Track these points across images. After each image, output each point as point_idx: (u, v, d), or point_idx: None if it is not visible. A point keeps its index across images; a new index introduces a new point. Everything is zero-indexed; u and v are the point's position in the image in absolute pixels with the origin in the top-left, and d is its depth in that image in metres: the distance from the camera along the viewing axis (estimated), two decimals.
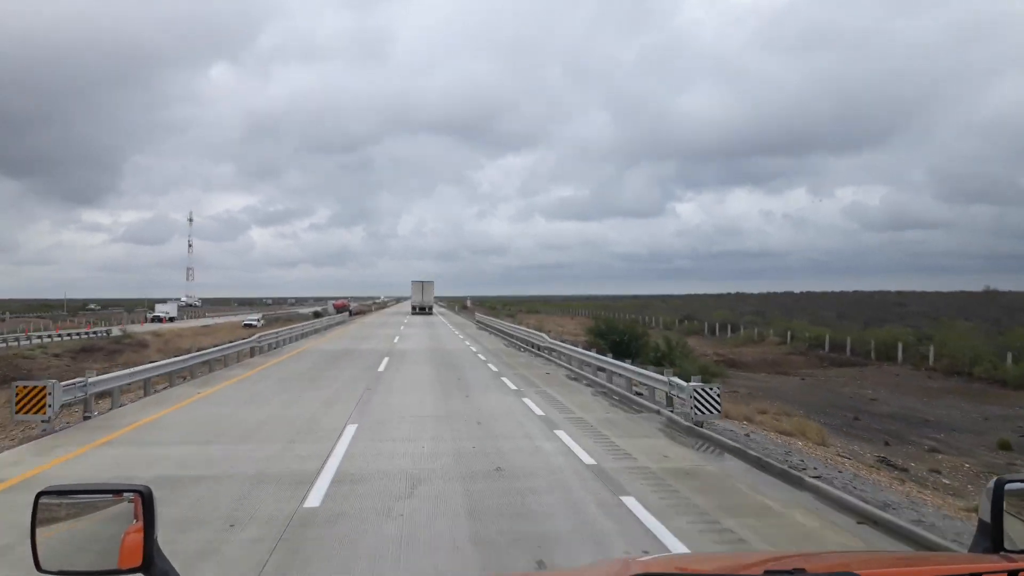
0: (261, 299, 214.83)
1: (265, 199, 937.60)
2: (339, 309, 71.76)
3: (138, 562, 1.64)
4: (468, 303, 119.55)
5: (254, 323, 61.45)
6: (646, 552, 5.65)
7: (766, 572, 1.55)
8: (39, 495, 1.74)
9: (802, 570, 1.54)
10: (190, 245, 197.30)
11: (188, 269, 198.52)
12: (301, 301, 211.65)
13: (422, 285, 73.92)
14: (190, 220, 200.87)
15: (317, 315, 62.95)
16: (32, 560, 1.66)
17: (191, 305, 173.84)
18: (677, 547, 5.97)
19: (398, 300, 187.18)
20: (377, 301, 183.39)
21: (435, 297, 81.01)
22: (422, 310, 72.36)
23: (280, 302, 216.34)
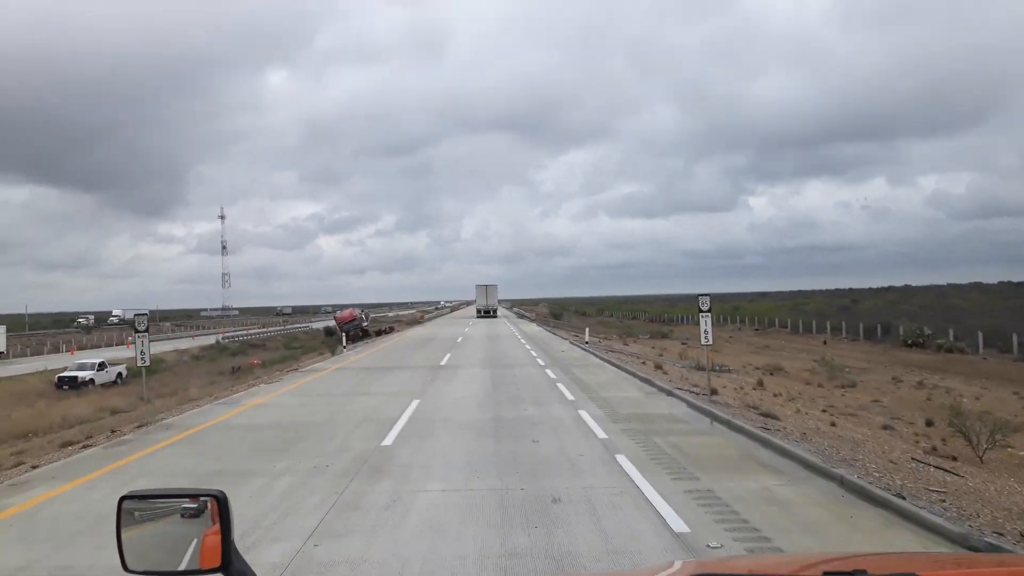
0: (279, 308, 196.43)
1: (330, 206, 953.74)
2: (342, 324, 47.43)
3: (218, 563, 1.71)
4: (535, 312, 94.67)
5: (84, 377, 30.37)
6: None
7: (825, 573, 1.52)
8: (122, 499, 1.83)
9: (863, 571, 1.49)
10: (224, 247, 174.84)
11: (223, 276, 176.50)
12: (340, 309, 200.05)
13: (486, 289, 77.29)
14: (221, 217, 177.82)
15: (329, 333, 51.49)
16: (119, 561, 1.76)
17: (226, 314, 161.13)
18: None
19: (465, 304, 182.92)
20: (439, 307, 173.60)
21: (499, 300, 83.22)
22: (486, 313, 75.85)
23: (305, 311, 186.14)
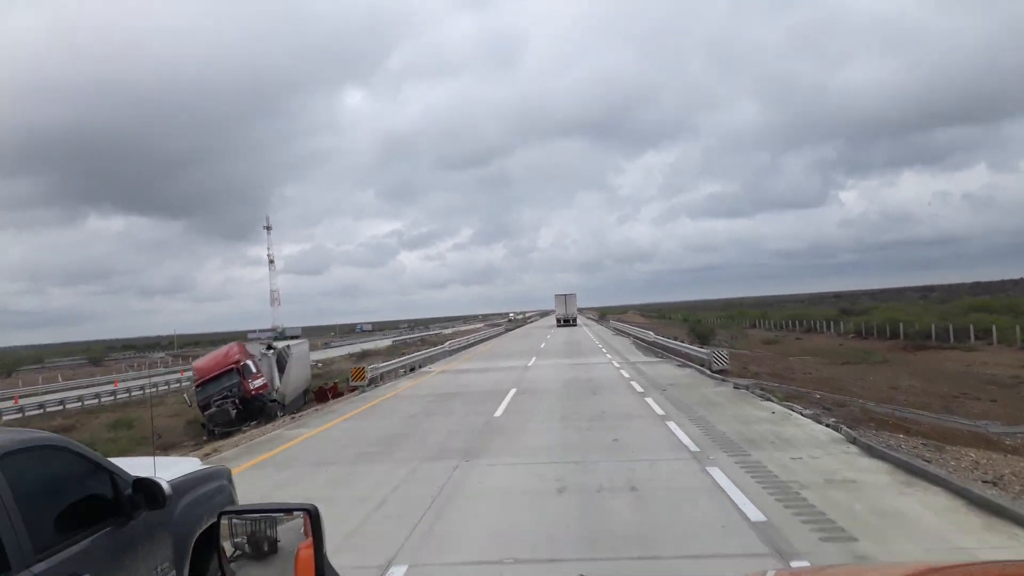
0: (358, 325, 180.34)
1: (409, 223, 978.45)
2: (201, 383, 24.16)
3: (312, 575, 1.79)
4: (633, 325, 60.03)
5: None
6: None
7: None
8: (220, 515, 1.93)
9: None
10: (271, 261, 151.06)
11: (272, 293, 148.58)
12: (392, 326, 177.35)
13: (565, 298, 78.62)
14: (267, 228, 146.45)
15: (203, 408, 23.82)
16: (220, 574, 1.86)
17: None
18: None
19: (540, 315, 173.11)
20: (511, 318, 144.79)
21: (578, 308, 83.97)
22: (567, 322, 76.67)
23: (384, 327, 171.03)
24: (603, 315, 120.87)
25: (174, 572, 3.88)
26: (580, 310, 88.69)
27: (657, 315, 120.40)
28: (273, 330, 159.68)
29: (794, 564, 5.79)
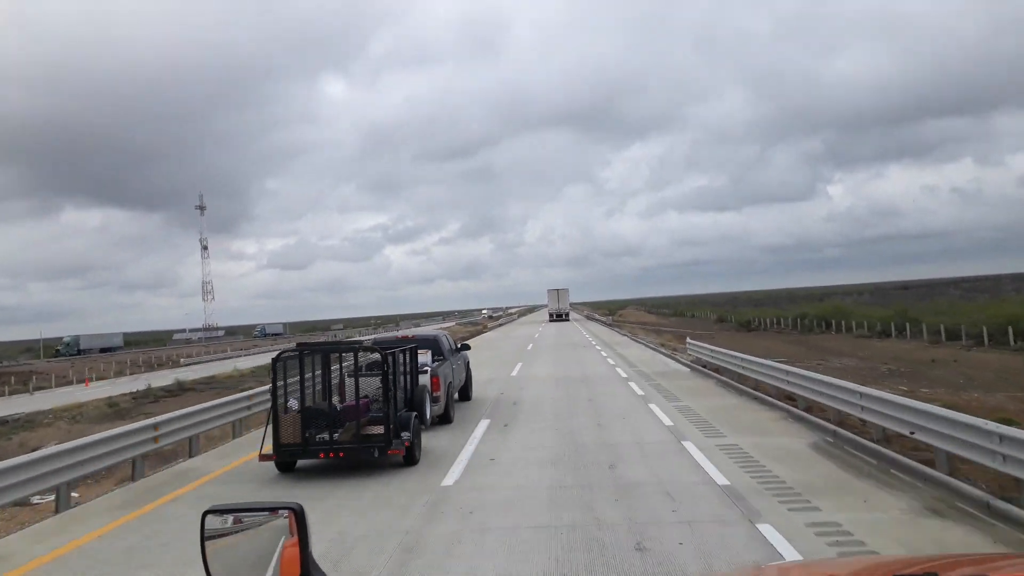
0: (259, 328, 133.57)
1: (394, 216, 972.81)
2: None
3: (297, 574, 1.77)
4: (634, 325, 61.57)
5: None
6: None
7: None
8: (205, 513, 1.91)
9: (934, 574, 1.49)
10: (204, 247, 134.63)
11: (204, 285, 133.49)
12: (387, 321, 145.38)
13: (557, 293, 79.08)
14: (199, 208, 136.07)
15: None
16: (204, 573, 1.83)
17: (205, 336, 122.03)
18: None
19: (529, 310, 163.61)
20: (491, 315, 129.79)
21: (570, 304, 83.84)
22: (559, 316, 76.89)
23: (356, 325, 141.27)
24: (612, 312, 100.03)
25: None
26: (572, 306, 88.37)
27: (673, 313, 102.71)
28: (206, 329, 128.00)
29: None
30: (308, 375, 10.89)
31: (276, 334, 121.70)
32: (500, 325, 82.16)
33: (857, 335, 45.93)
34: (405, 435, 10.48)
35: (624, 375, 22.23)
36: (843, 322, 50.68)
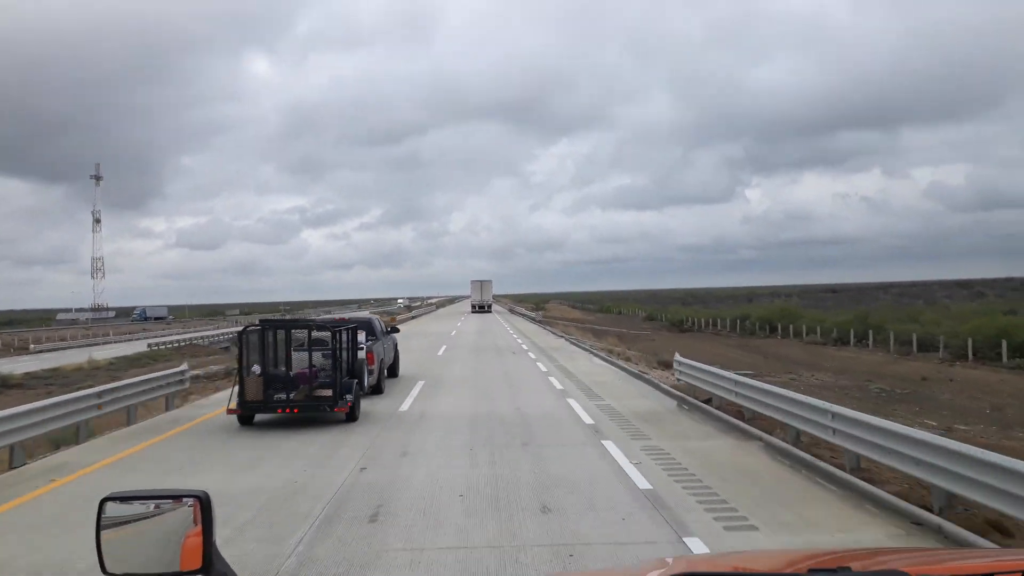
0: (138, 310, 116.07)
1: (314, 199, 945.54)
2: None
3: (198, 564, 1.69)
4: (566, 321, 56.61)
5: None
6: None
7: (810, 571, 1.53)
8: (103, 501, 1.81)
9: (847, 568, 1.49)
10: (97, 220, 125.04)
11: (93, 261, 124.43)
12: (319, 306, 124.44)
13: (480, 284, 78.14)
14: (95, 178, 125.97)
15: None
16: (98, 563, 1.73)
17: (98, 316, 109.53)
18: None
19: (450, 300, 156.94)
20: (408, 304, 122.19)
21: (493, 296, 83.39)
22: (481, 308, 76.15)
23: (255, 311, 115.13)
24: (538, 306, 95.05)
25: None
26: (495, 298, 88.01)
27: (599, 309, 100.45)
28: (95, 309, 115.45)
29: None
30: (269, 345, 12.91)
31: (159, 317, 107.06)
32: (414, 317, 70.12)
33: (808, 341, 42.02)
34: (348, 397, 12.67)
35: (588, 419, 12.76)
36: (791, 326, 46.48)
